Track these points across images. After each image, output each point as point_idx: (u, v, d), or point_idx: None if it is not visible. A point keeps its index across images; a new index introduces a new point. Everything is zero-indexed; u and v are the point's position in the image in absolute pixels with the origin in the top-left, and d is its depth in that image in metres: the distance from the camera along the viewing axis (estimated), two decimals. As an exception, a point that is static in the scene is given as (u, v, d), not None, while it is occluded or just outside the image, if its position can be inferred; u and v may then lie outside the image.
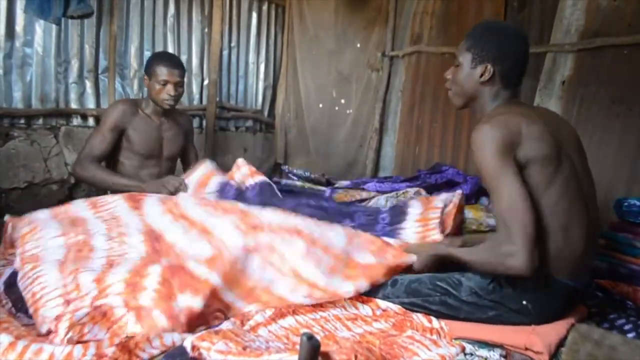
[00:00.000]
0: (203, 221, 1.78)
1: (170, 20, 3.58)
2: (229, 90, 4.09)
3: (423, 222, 1.92)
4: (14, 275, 1.69)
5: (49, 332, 1.38)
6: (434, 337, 1.48)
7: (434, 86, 3.75)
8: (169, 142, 2.61)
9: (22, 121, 2.95)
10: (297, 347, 1.13)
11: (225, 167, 2.46)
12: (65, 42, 3.05)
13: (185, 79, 2.69)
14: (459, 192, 2.08)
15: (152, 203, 1.95)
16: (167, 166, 2.67)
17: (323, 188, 3.04)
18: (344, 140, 4.27)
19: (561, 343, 1.46)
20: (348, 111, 4.28)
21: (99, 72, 3.24)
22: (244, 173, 2.32)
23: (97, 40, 3.19)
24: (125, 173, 2.49)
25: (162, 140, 2.59)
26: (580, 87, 2.91)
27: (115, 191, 2.22)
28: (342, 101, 4.30)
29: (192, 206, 1.89)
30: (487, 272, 1.51)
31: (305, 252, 1.63)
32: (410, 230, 1.92)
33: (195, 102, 3.83)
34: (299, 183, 3.10)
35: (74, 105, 3.15)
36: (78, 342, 1.32)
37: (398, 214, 2.00)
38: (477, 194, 2.93)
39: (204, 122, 3.87)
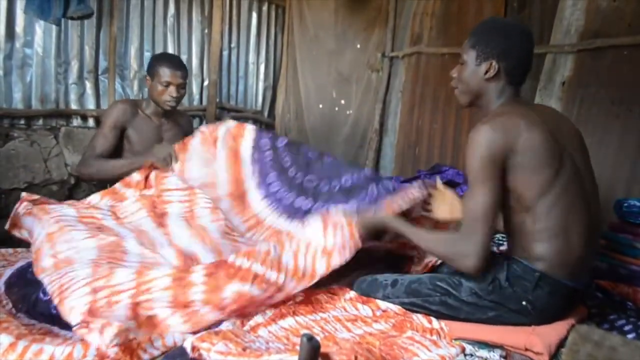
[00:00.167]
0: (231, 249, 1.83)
1: (170, 20, 3.58)
2: (229, 90, 4.10)
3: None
4: (14, 275, 1.70)
5: (79, 325, 1.34)
6: (434, 337, 1.48)
7: (433, 87, 3.75)
8: (169, 143, 2.60)
9: (22, 122, 2.95)
10: (297, 348, 1.13)
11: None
12: (65, 43, 3.06)
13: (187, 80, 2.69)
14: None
15: (178, 223, 1.95)
16: (167, 167, 2.66)
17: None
18: (344, 141, 4.27)
19: (561, 344, 1.46)
20: (348, 112, 4.28)
21: (99, 72, 3.25)
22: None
23: (97, 41, 3.20)
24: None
25: (162, 141, 2.58)
26: (580, 88, 2.91)
27: (122, 175, 2.23)
28: (342, 102, 4.30)
29: (217, 233, 1.93)
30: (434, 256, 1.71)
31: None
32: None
33: (195, 102, 3.83)
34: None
35: (74, 106, 3.15)
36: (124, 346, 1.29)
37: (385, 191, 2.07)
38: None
39: (204, 123, 3.87)
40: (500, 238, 2.10)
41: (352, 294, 1.72)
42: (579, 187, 1.52)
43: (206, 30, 3.82)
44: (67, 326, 1.50)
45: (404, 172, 3.88)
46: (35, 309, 1.54)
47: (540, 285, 1.49)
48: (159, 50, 3.49)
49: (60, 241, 1.66)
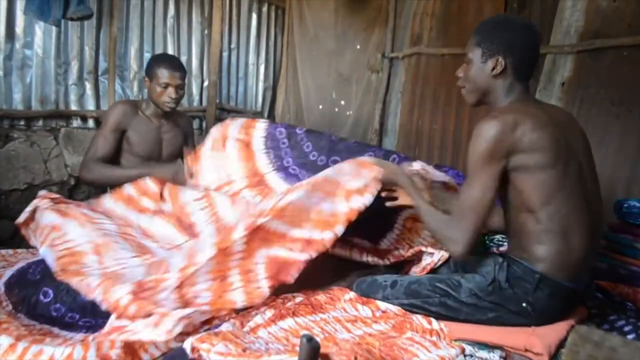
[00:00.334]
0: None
1: (170, 21, 3.59)
2: (229, 91, 4.10)
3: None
4: (14, 276, 1.70)
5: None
6: (434, 338, 1.47)
7: (433, 87, 3.75)
8: (169, 144, 2.61)
9: (22, 123, 2.95)
10: (297, 348, 1.13)
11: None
12: (65, 43, 3.06)
13: (186, 81, 2.69)
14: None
15: (208, 230, 1.96)
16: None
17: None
18: (344, 142, 4.27)
19: (561, 344, 1.46)
20: (348, 112, 4.29)
21: (99, 73, 3.25)
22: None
23: (97, 41, 3.20)
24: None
25: (162, 142, 2.58)
26: (580, 89, 2.91)
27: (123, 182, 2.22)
28: (342, 102, 4.30)
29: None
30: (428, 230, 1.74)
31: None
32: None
33: (195, 103, 3.84)
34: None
35: (73, 107, 3.15)
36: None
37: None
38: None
39: (204, 124, 3.87)
40: (501, 239, 2.09)
41: (351, 294, 1.72)
42: (582, 187, 1.52)
43: (206, 31, 3.83)
44: (67, 327, 1.51)
45: (403, 172, 3.88)
46: (35, 310, 1.55)
47: (540, 287, 1.48)
48: (159, 51, 3.50)
49: (109, 257, 1.66)
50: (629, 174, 2.69)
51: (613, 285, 1.95)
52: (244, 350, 1.24)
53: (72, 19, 2.76)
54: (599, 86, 2.83)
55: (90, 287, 1.45)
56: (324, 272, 1.85)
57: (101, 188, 2.46)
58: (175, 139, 2.64)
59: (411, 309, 1.61)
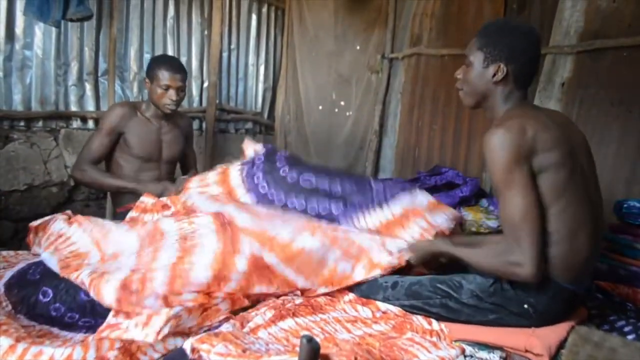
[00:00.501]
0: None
1: (169, 22, 3.59)
2: (229, 92, 4.10)
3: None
4: (14, 277, 1.69)
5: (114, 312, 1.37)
6: (434, 339, 1.47)
7: (433, 88, 3.75)
8: (169, 145, 2.60)
9: (22, 124, 2.95)
10: (297, 349, 1.13)
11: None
12: (64, 44, 3.06)
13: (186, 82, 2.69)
14: (456, 215, 2.01)
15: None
16: (167, 169, 2.65)
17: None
18: (344, 142, 4.27)
19: (561, 345, 1.46)
20: (348, 113, 4.29)
21: (99, 74, 3.25)
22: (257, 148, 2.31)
23: (97, 42, 3.20)
24: (124, 176, 2.48)
25: (161, 144, 2.58)
26: (580, 89, 2.91)
27: (112, 191, 2.23)
28: (342, 103, 4.30)
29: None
30: (491, 274, 1.52)
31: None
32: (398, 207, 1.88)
33: (195, 104, 3.83)
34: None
35: (73, 108, 3.15)
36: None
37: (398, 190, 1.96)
38: (477, 196, 2.93)
39: (204, 125, 3.87)
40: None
41: (351, 295, 1.72)
42: (585, 190, 1.51)
43: (206, 32, 3.83)
44: (66, 327, 1.51)
45: (403, 173, 3.88)
46: (35, 310, 1.54)
47: (543, 289, 1.48)
48: (158, 51, 3.49)
49: (107, 242, 1.69)
50: (629, 174, 2.69)
51: (613, 286, 1.95)
52: (244, 350, 1.24)
53: (71, 20, 2.76)
54: (598, 87, 2.83)
55: (85, 285, 1.46)
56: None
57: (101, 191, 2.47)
58: (175, 140, 2.64)
59: (412, 310, 1.61)
